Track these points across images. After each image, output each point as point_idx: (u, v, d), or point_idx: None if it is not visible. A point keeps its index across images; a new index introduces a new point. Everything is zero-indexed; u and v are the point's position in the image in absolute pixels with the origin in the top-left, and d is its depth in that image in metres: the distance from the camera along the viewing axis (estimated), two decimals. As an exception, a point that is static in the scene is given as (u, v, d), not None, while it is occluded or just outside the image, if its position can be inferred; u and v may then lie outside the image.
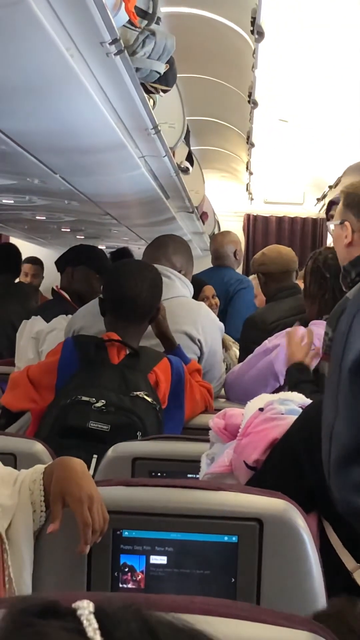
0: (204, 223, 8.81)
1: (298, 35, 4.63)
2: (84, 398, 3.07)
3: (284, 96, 6.28)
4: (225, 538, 1.96)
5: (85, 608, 0.68)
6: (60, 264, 4.92)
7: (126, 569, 1.97)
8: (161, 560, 1.97)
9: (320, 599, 1.91)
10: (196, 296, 5.43)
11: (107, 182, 4.55)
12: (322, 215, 11.39)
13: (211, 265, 6.71)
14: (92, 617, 0.67)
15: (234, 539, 1.96)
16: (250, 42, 4.51)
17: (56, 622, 0.67)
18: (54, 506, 1.88)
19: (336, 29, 4.48)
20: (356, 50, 4.77)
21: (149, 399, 3.15)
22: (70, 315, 4.21)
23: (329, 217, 5.02)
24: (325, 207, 10.42)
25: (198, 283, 5.61)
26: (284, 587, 1.94)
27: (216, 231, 10.05)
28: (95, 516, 1.87)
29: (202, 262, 7.28)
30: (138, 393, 3.14)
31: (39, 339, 4.41)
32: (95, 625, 0.67)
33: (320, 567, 1.93)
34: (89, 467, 2.64)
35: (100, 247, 8.12)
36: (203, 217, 8.67)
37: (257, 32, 4.04)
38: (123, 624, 0.67)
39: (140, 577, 1.97)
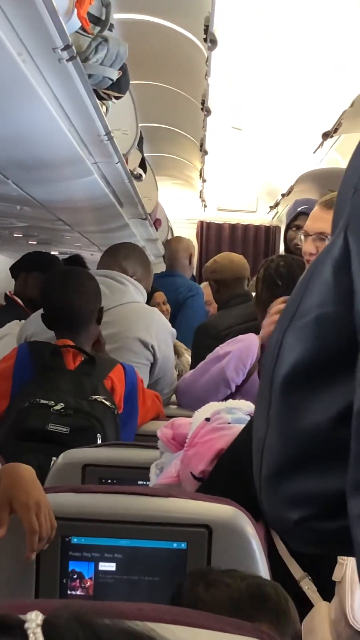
0: (157, 230, 8.80)
1: (251, 44, 4.65)
2: (43, 401, 3.06)
3: (237, 104, 6.30)
4: (175, 545, 1.97)
5: (32, 621, 0.68)
6: (14, 270, 4.92)
7: (75, 576, 1.97)
8: (110, 567, 1.97)
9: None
10: (147, 302, 5.45)
11: (60, 188, 4.54)
12: (275, 222, 11.44)
13: (163, 271, 6.72)
14: (38, 630, 0.67)
15: (183, 545, 1.96)
16: (204, 50, 4.53)
17: (2, 637, 0.67)
18: (1, 512, 1.87)
19: (289, 38, 4.50)
20: (309, 59, 4.81)
21: (108, 403, 3.15)
22: (23, 321, 4.19)
23: (292, 226, 5.03)
24: (278, 215, 10.49)
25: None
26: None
27: (169, 238, 10.06)
28: (43, 523, 1.86)
29: (156, 269, 7.28)
30: (97, 397, 3.14)
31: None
32: (41, 639, 0.67)
33: (268, 572, 1.94)
34: (47, 470, 2.64)
35: (53, 253, 8.10)
36: (156, 223, 8.67)
37: (210, 40, 4.06)
38: (70, 635, 0.67)
39: (89, 584, 1.96)
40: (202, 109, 5.68)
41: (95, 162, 4.10)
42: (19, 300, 4.74)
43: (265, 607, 1.64)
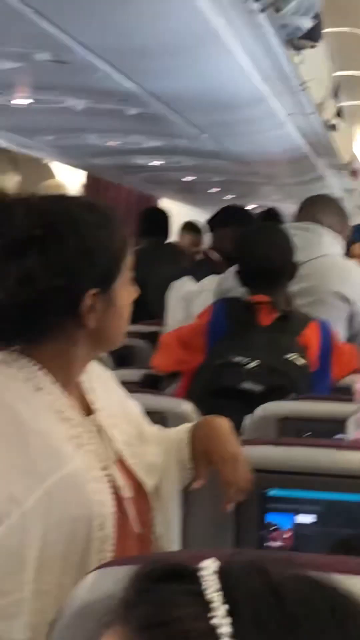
0: (355, 180, 8.66)
1: None
2: (237, 359, 3.07)
3: None
4: (373, 498, 1.95)
5: (209, 568, 0.68)
6: (210, 224, 4.94)
7: (272, 528, 1.98)
8: (308, 519, 1.97)
9: None
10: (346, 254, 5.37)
11: (253, 141, 4.53)
12: None
13: (364, 224, 6.61)
14: (213, 577, 0.67)
15: (382, 499, 1.94)
16: None
17: (177, 585, 0.67)
18: (198, 464, 1.89)
19: None
20: None
21: (302, 362, 3.13)
22: (220, 276, 4.22)
23: None
24: None
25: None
26: None
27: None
28: (240, 475, 1.88)
29: (355, 220, 7.18)
30: (290, 355, 3.12)
31: (189, 300, 4.43)
32: (217, 585, 0.67)
33: None
34: (239, 428, 2.66)
35: (250, 206, 8.11)
36: (354, 173, 8.53)
37: None
38: (245, 583, 0.67)
39: (287, 535, 1.97)
40: None
41: (289, 114, 4.07)
42: (214, 255, 4.76)
43: None
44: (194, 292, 4.43)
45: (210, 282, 4.36)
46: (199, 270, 4.67)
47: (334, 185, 7.64)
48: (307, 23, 2.93)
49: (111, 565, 1.28)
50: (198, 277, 4.53)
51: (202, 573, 0.68)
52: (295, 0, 2.78)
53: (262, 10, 2.49)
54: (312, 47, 3.24)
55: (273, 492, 1.98)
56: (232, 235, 4.79)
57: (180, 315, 4.41)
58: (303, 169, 6.05)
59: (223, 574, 0.67)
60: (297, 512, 1.97)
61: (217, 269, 4.53)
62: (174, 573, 0.69)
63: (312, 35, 3.16)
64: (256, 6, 2.46)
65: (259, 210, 7.41)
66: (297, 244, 3.56)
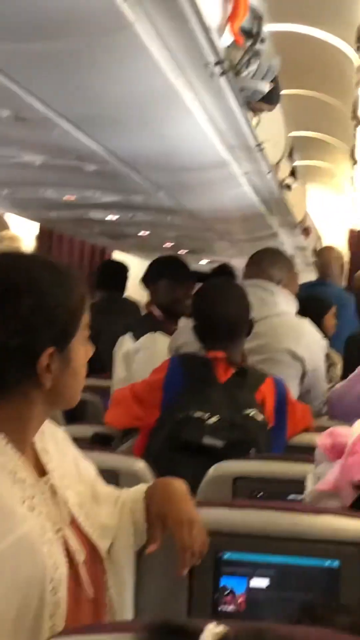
0: (306, 238, 8.76)
1: None
2: (197, 414, 3.07)
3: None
4: (327, 562, 1.94)
5: (209, 630, 0.68)
6: (144, 280, 4.92)
7: (226, 592, 1.96)
8: (262, 583, 1.96)
9: None
10: (324, 314, 5.38)
11: (210, 199, 4.57)
12: None
13: (314, 280, 6.67)
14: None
15: (336, 563, 1.94)
16: (354, 59, 4.48)
17: None
18: (154, 528, 1.88)
19: None
20: None
21: (260, 417, 3.13)
22: (158, 333, 4.22)
23: None
24: None
25: (328, 302, 5.54)
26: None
27: (319, 246, 9.99)
28: (195, 539, 1.86)
29: (305, 278, 7.25)
30: (249, 411, 3.12)
31: (129, 358, 4.42)
32: None
33: None
34: (199, 484, 2.65)
35: (203, 261, 8.15)
36: (306, 232, 8.63)
37: (362, 49, 4.01)
38: None
39: (240, 599, 1.96)
40: (352, 118, 5.62)
41: (245, 173, 4.11)
42: (154, 311, 4.75)
43: None
44: (133, 350, 4.42)
45: (147, 341, 4.36)
46: (139, 327, 4.66)
47: (286, 242, 7.72)
48: (265, 87, 2.98)
49: (66, 634, 1.26)
50: (138, 334, 4.51)
51: (205, 635, 0.68)
52: (255, 64, 2.83)
53: (222, 74, 2.53)
54: (270, 110, 3.29)
55: (227, 556, 1.97)
56: (164, 288, 4.78)
57: (123, 372, 4.40)
58: (257, 226, 6.11)
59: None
60: (251, 575, 1.96)
61: (157, 325, 4.52)
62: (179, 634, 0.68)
63: (270, 99, 3.21)
64: (217, 70, 2.49)
65: (213, 265, 7.46)
66: (251, 301, 3.59)
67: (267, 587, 1.96)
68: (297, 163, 7.18)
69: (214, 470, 2.69)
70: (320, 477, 2.46)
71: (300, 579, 1.95)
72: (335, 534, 1.96)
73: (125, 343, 4.51)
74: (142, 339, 4.43)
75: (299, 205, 7.11)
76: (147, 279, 4.86)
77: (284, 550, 1.96)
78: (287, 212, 5.96)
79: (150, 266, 4.92)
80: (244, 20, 2.83)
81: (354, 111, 5.48)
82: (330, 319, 5.37)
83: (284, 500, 2.63)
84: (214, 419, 3.04)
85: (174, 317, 4.11)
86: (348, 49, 4.53)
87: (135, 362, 4.35)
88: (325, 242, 10.26)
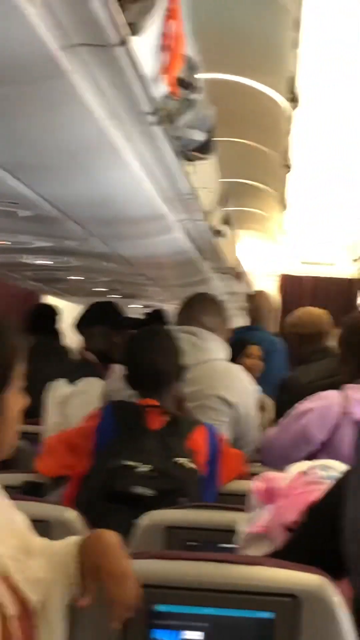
0: (239, 283, 8.82)
1: (334, 103, 4.66)
2: (129, 463, 3.05)
3: (319, 160, 6.31)
4: (261, 614, 1.93)
5: None
6: (77, 326, 4.90)
7: (159, 645, 1.94)
8: (196, 636, 1.94)
9: None
10: (240, 354, 5.42)
11: (143, 245, 4.58)
12: (358, 275, 11.35)
13: (246, 325, 6.71)
14: None
15: (270, 615, 1.93)
16: (287, 109, 4.55)
17: None
18: (86, 580, 1.85)
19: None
20: None
21: (192, 465, 3.13)
22: (93, 378, 4.20)
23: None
24: (360, 268, 10.42)
25: (244, 341, 5.60)
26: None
27: (251, 291, 10.07)
28: (127, 593, 1.84)
29: (237, 322, 7.30)
30: (180, 459, 3.12)
31: (64, 403, 4.39)
32: None
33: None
34: (131, 533, 2.63)
35: (135, 306, 8.15)
36: (238, 277, 8.69)
37: (293, 99, 4.08)
38: None
39: (173, 653, 1.94)
40: (283, 165, 5.71)
41: (179, 220, 4.13)
42: (89, 356, 4.72)
43: None
44: (68, 396, 4.39)
45: (84, 385, 4.33)
46: (74, 371, 4.63)
47: (219, 287, 7.76)
48: (200, 136, 3.00)
49: None
50: (73, 379, 4.49)
51: None
52: (190, 114, 2.85)
53: (158, 123, 2.54)
54: (205, 159, 3.31)
55: (160, 608, 1.95)
56: (99, 334, 4.77)
57: (57, 418, 4.36)
58: (189, 271, 6.13)
59: None
60: (185, 628, 1.94)
61: (92, 371, 4.51)
62: None
63: (205, 148, 3.23)
64: (152, 119, 2.50)
65: (146, 310, 7.47)
66: (183, 347, 3.59)
67: (201, 639, 1.94)
68: (229, 209, 7.25)
69: (146, 519, 2.67)
70: (251, 519, 2.47)
71: (234, 631, 1.94)
72: (269, 585, 1.96)
73: (60, 388, 4.47)
74: (78, 383, 4.40)
75: (231, 250, 7.16)
76: (82, 324, 4.84)
77: (218, 602, 1.95)
78: (219, 258, 6.00)
79: (86, 311, 4.90)
80: (180, 71, 2.87)
81: (285, 159, 5.56)
82: (247, 361, 5.41)
83: (217, 550, 2.62)
84: (144, 468, 3.03)
85: (108, 362, 4.09)
86: (280, 99, 4.60)
87: (70, 407, 4.32)
88: (257, 287, 10.34)
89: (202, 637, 1.93)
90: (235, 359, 4.58)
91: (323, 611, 1.91)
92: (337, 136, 5.38)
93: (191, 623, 1.94)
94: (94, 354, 4.69)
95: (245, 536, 2.39)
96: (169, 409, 3.29)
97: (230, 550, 2.51)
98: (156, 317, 7.03)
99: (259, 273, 11.88)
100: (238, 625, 1.94)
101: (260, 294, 7.04)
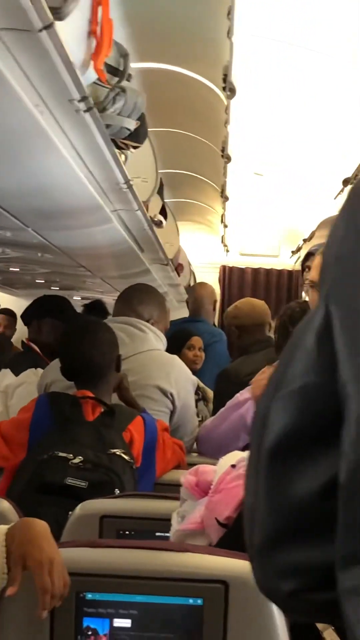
0: (179, 275, 8.82)
1: (271, 92, 4.66)
2: (61, 454, 3.03)
3: (258, 150, 6.32)
4: (191, 601, 1.93)
5: None
6: (25, 317, 4.89)
7: (89, 632, 1.93)
8: (125, 623, 1.93)
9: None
10: (182, 346, 5.43)
11: (80, 235, 4.55)
12: (298, 267, 11.41)
13: (186, 316, 6.72)
14: None
15: (199, 601, 1.93)
16: (223, 98, 4.55)
17: None
18: (13, 569, 1.84)
19: (309, 85, 4.52)
20: (329, 105, 4.82)
21: (126, 457, 3.12)
22: (40, 369, 4.18)
23: (304, 267, 5.04)
24: (300, 259, 10.47)
25: (185, 333, 5.61)
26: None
27: (192, 282, 10.07)
28: (55, 581, 1.83)
29: (178, 314, 7.29)
30: (115, 451, 3.10)
31: (7, 393, 4.37)
32: None
33: (286, 629, 1.90)
34: (64, 524, 2.61)
35: (75, 298, 8.11)
36: (178, 268, 8.68)
37: (229, 89, 4.08)
38: None
39: (103, 640, 1.93)
40: (222, 156, 5.70)
41: (115, 210, 4.11)
42: (35, 347, 4.71)
43: None
44: (12, 385, 4.37)
45: (29, 376, 4.32)
46: (19, 362, 4.62)
47: (159, 279, 7.74)
48: (131, 124, 2.99)
49: None
50: (17, 370, 4.47)
51: None
52: (120, 101, 2.84)
53: (87, 110, 2.52)
54: (136, 147, 3.30)
55: (90, 596, 1.94)
56: (48, 327, 4.76)
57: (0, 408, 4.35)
58: (128, 263, 6.11)
59: None
60: (114, 616, 1.94)
61: (38, 362, 4.49)
62: None
63: (137, 136, 3.22)
64: (81, 106, 2.48)
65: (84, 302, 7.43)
66: (122, 338, 3.59)
67: (131, 627, 1.93)
68: (169, 200, 7.24)
69: (79, 509, 2.66)
70: (184, 515, 2.46)
71: (163, 618, 1.94)
72: (198, 571, 1.96)
73: (5, 378, 4.46)
74: (23, 374, 4.39)
75: (171, 242, 7.15)
76: (30, 316, 4.82)
77: (147, 589, 1.95)
78: (158, 249, 5.98)
79: (34, 303, 4.89)
80: (110, 58, 2.85)
81: (223, 149, 5.56)
82: (189, 352, 5.42)
83: (154, 538, 2.62)
84: (77, 460, 3.01)
85: (54, 355, 4.08)
86: (216, 88, 4.60)
87: (14, 396, 4.30)
88: (199, 279, 10.34)
89: (130, 624, 1.93)
90: (176, 350, 4.58)
91: (252, 597, 1.92)
92: (274, 125, 5.39)
93: (120, 610, 1.94)
94: (40, 346, 4.68)
95: (179, 533, 2.38)
96: (104, 400, 3.28)
97: (167, 538, 2.51)
98: (96, 308, 7.01)
99: (201, 265, 11.88)
100: (167, 612, 1.93)
101: (201, 286, 7.05)
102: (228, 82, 4.04)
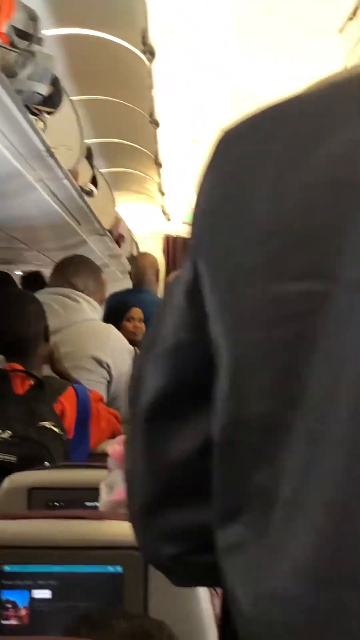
0: (120, 245, 8.75)
1: (192, 53, 4.61)
2: None
3: (190, 116, 6.27)
4: (110, 568, 1.91)
5: None
6: None
7: (9, 605, 1.90)
8: (45, 594, 1.90)
9: (210, 627, 1.86)
10: (121, 318, 5.39)
11: (7, 207, 4.47)
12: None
13: (130, 287, 6.69)
14: None
15: (119, 569, 1.90)
16: (146, 62, 4.49)
17: None
18: None
19: (231, 47, 4.48)
20: (255, 63, 4.78)
21: (56, 430, 3.09)
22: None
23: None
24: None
25: (124, 304, 5.58)
26: (173, 614, 1.88)
27: (135, 253, 10.02)
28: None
29: (121, 284, 7.26)
30: (45, 424, 3.07)
31: None
32: None
33: (207, 591, 1.89)
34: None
35: (15, 272, 8.02)
36: (119, 239, 8.62)
37: (149, 52, 4.02)
38: None
39: (23, 612, 1.90)
40: (150, 122, 5.65)
41: (39, 179, 4.04)
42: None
43: None
44: None
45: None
46: None
47: (99, 250, 7.68)
48: (43, 89, 2.93)
49: None
50: None
51: None
52: (30, 66, 2.78)
53: (-5, 75, 2.46)
54: (51, 113, 3.24)
55: (8, 568, 1.91)
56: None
57: None
58: (64, 234, 6.03)
59: None
60: (33, 587, 1.91)
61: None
62: None
63: (51, 102, 3.16)
64: (-12, 71, 2.42)
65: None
66: (56, 309, 3.56)
67: (51, 598, 1.91)
68: (105, 170, 7.17)
69: (7, 482, 2.62)
70: (112, 485, 2.42)
71: (84, 588, 1.91)
72: (117, 539, 1.93)
73: None
74: None
75: (107, 212, 7.08)
76: None
77: (66, 559, 1.92)
78: (93, 219, 5.91)
79: None
80: (19, 21, 2.79)
81: (152, 115, 5.51)
82: (128, 324, 5.39)
83: (84, 508, 2.60)
84: (5, 435, 2.98)
85: None
86: (138, 52, 4.54)
87: None
88: (141, 250, 10.30)
89: (50, 596, 1.90)
90: (115, 322, 4.56)
91: (174, 561, 1.89)
92: (196, 85, 5.34)
93: (39, 581, 1.91)
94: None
95: (108, 504, 2.35)
96: (34, 372, 3.25)
97: (96, 508, 2.48)
98: (34, 279, 6.95)
99: (143, 235, 11.83)
100: (87, 581, 1.91)
101: (142, 256, 7.02)
102: (147, 45, 3.98)
